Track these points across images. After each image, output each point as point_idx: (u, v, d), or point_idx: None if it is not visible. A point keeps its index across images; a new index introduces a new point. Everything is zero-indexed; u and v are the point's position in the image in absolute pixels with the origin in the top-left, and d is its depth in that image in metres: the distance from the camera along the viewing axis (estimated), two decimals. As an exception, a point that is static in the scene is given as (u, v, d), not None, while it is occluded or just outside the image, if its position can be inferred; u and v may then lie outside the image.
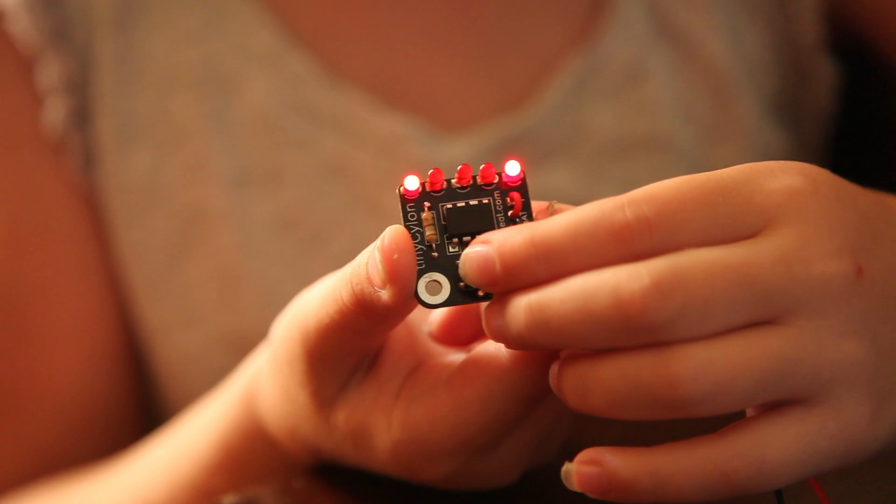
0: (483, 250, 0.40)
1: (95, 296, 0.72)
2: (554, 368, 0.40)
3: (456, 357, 0.45)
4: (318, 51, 0.72)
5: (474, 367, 0.42)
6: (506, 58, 0.74)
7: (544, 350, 0.41)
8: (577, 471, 0.40)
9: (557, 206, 0.41)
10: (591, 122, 0.74)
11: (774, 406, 0.39)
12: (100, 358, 0.72)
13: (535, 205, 0.42)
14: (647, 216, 0.38)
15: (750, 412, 0.40)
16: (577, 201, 0.70)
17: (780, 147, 0.77)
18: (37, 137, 0.71)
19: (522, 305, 0.39)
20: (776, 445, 0.38)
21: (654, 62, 0.75)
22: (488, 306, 0.41)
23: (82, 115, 0.71)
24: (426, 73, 0.73)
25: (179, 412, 0.63)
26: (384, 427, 0.44)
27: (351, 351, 0.44)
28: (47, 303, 0.71)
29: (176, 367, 0.71)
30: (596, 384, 0.39)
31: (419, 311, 0.44)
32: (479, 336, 0.46)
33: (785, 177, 0.40)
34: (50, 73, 0.70)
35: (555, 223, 0.39)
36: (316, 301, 0.43)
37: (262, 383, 0.51)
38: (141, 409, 0.74)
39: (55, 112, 0.71)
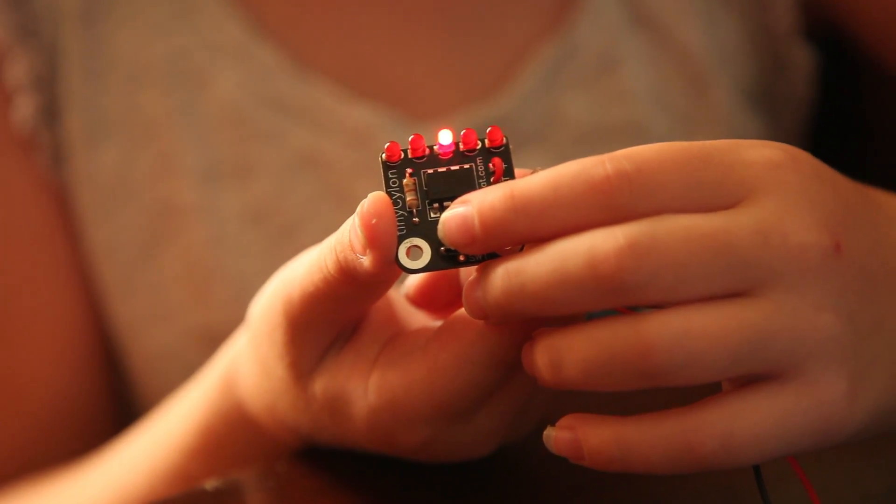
0: (462, 210, 0.40)
1: (68, 294, 0.72)
2: (527, 347, 0.41)
3: (434, 325, 0.46)
4: (286, 43, 0.73)
5: (450, 331, 0.43)
6: (478, 46, 0.75)
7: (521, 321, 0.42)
8: (555, 435, 0.41)
9: (541, 172, 0.42)
10: (565, 110, 0.74)
11: (750, 381, 0.39)
12: (74, 356, 0.72)
13: (519, 171, 0.43)
14: (627, 171, 0.39)
15: (727, 387, 0.40)
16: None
17: (757, 135, 0.78)
18: (6, 135, 0.71)
19: (499, 272, 0.40)
20: (746, 420, 0.39)
21: (628, 50, 0.76)
22: (468, 282, 0.41)
23: (51, 112, 0.72)
24: (397, 62, 0.74)
25: (153, 408, 0.63)
26: (361, 394, 0.44)
27: (333, 320, 0.45)
28: (20, 302, 0.71)
29: (149, 363, 0.72)
30: (569, 354, 0.39)
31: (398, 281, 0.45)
32: (456, 300, 0.47)
33: (767, 150, 0.41)
34: (18, 71, 0.71)
35: (534, 179, 0.40)
36: (301, 270, 0.44)
37: (241, 364, 0.52)
38: (116, 406, 0.74)
39: (24, 109, 0.71)
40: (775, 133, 0.79)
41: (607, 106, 0.75)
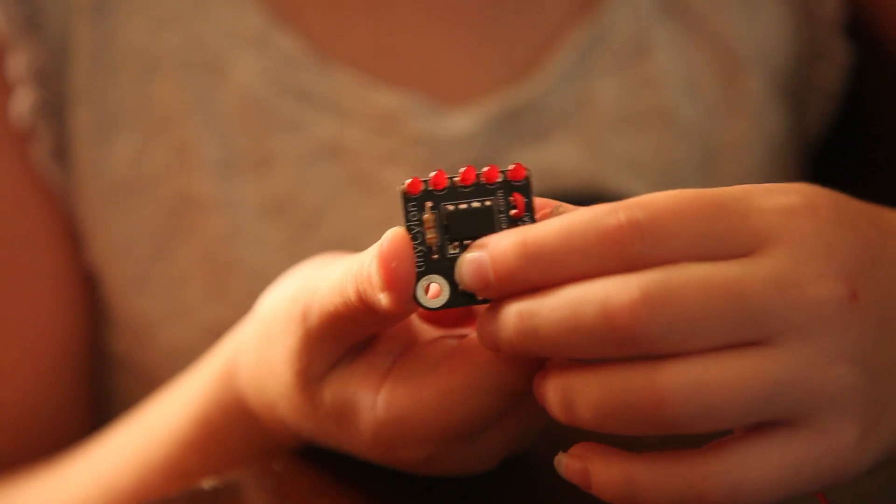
0: (477, 256, 0.40)
1: (54, 299, 0.71)
2: (538, 378, 0.41)
3: (448, 342, 0.46)
4: (306, 30, 0.72)
5: (462, 357, 0.43)
6: (507, 29, 0.74)
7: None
8: (566, 463, 0.41)
9: (563, 208, 0.42)
10: (596, 95, 0.74)
11: (760, 426, 0.39)
12: (50, 363, 0.71)
13: (539, 202, 0.42)
14: (640, 220, 0.38)
15: (737, 430, 0.40)
16: (581, 176, 0.72)
17: (785, 129, 0.78)
18: (3, 130, 0.70)
19: (513, 312, 0.40)
20: (756, 468, 0.39)
21: (659, 36, 0.75)
22: (482, 314, 0.41)
23: (55, 107, 0.70)
24: (423, 46, 0.73)
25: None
26: (369, 405, 0.45)
27: (350, 337, 0.45)
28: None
29: (164, 361, 0.71)
30: (582, 397, 0.39)
31: None
32: (466, 317, 0.47)
33: (782, 196, 0.40)
34: (19, 64, 0.70)
35: (547, 226, 0.40)
36: (324, 286, 0.44)
37: (245, 357, 0.52)
38: (96, 419, 0.73)
39: (23, 104, 0.70)
40: (800, 126, 0.79)
41: (638, 92, 0.75)
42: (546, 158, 0.72)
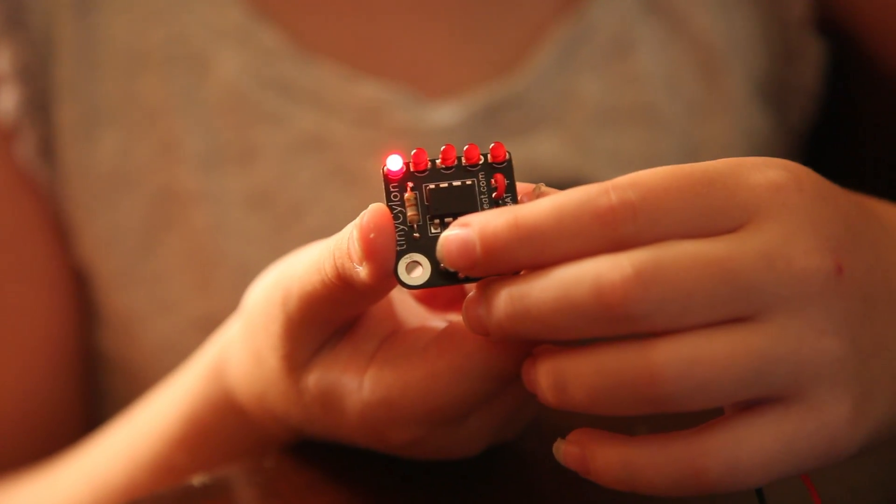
0: (462, 233, 0.40)
1: (45, 299, 0.72)
2: (527, 365, 0.41)
3: (435, 325, 0.46)
4: (288, 25, 0.73)
5: (450, 339, 0.43)
6: (492, 23, 0.74)
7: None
8: (564, 449, 0.41)
9: (544, 189, 0.42)
10: (579, 91, 0.74)
11: (753, 404, 0.40)
12: (46, 361, 0.71)
13: (521, 187, 0.43)
14: (632, 200, 0.39)
15: (729, 409, 0.41)
16: (565, 170, 0.72)
17: (766, 128, 0.78)
18: None
19: (503, 294, 0.40)
20: (752, 446, 0.39)
21: (642, 34, 0.76)
22: (468, 298, 0.41)
23: (40, 104, 0.71)
24: (406, 39, 0.74)
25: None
26: (355, 388, 0.45)
27: (331, 320, 0.45)
28: None
29: (152, 355, 0.71)
30: (575, 378, 0.39)
31: None
32: (458, 299, 0.47)
33: (770, 171, 0.41)
34: (4, 62, 0.70)
35: (539, 206, 0.40)
36: (301, 268, 0.44)
37: (232, 351, 0.52)
38: (86, 415, 0.73)
39: (8, 101, 0.70)
40: (783, 128, 0.79)
41: (620, 88, 0.75)
42: (530, 153, 0.73)
